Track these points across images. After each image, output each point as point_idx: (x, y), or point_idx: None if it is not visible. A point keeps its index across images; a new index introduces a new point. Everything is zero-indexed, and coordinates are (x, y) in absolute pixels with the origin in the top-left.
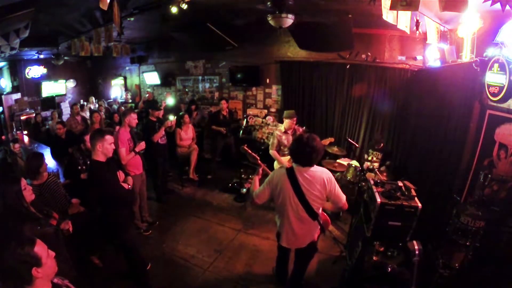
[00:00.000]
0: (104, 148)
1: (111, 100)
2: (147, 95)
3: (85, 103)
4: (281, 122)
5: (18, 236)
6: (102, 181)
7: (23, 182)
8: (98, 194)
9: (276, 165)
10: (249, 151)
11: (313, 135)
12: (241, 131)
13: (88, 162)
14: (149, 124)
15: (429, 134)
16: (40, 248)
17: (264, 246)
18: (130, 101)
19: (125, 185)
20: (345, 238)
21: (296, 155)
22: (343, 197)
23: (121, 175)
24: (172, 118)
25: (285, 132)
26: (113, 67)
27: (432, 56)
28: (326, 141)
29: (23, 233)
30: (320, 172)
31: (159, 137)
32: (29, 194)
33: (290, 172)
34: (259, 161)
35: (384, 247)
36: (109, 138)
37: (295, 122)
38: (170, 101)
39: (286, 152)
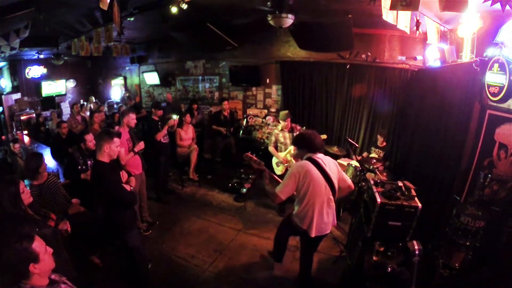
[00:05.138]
0: (111, 150)
1: (111, 101)
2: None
3: (85, 103)
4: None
5: (17, 233)
6: (105, 181)
7: (22, 185)
8: (101, 195)
9: (274, 160)
10: (254, 157)
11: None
12: (241, 131)
13: (89, 162)
14: (151, 123)
15: (429, 134)
16: (38, 245)
17: (264, 246)
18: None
19: (127, 187)
20: (345, 238)
21: (316, 144)
22: (348, 177)
23: (124, 175)
24: (175, 117)
25: (282, 130)
26: (113, 67)
27: (432, 56)
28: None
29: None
30: (328, 157)
31: (162, 135)
32: (27, 197)
33: (312, 161)
34: (263, 166)
35: (384, 247)
36: (117, 140)
37: (289, 121)
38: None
39: (283, 148)
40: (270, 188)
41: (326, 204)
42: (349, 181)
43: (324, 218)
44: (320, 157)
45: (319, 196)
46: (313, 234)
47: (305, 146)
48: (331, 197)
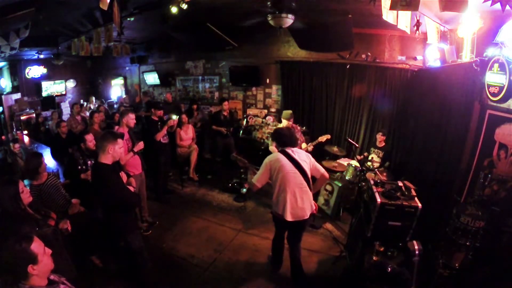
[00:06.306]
0: (114, 151)
1: (111, 100)
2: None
3: (85, 103)
4: (281, 121)
5: (16, 233)
6: (109, 185)
7: (21, 185)
8: (105, 198)
9: None
10: (239, 157)
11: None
12: (241, 131)
13: (89, 162)
14: (151, 123)
15: (429, 134)
16: (36, 245)
17: (264, 246)
18: (128, 104)
19: (130, 188)
20: (345, 238)
21: (286, 139)
22: (321, 167)
23: (123, 176)
24: (175, 117)
25: None
26: (113, 67)
27: (432, 56)
28: (323, 138)
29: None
30: (299, 149)
31: (162, 135)
32: (26, 197)
33: (283, 152)
34: (248, 164)
35: (384, 247)
36: (120, 141)
37: (292, 121)
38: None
39: None
40: (250, 179)
41: (299, 189)
42: (322, 170)
43: (298, 203)
44: (292, 149)
45: (290, 181)
46: (288, 218)
47: (277, 140)
48: (304, 182)
